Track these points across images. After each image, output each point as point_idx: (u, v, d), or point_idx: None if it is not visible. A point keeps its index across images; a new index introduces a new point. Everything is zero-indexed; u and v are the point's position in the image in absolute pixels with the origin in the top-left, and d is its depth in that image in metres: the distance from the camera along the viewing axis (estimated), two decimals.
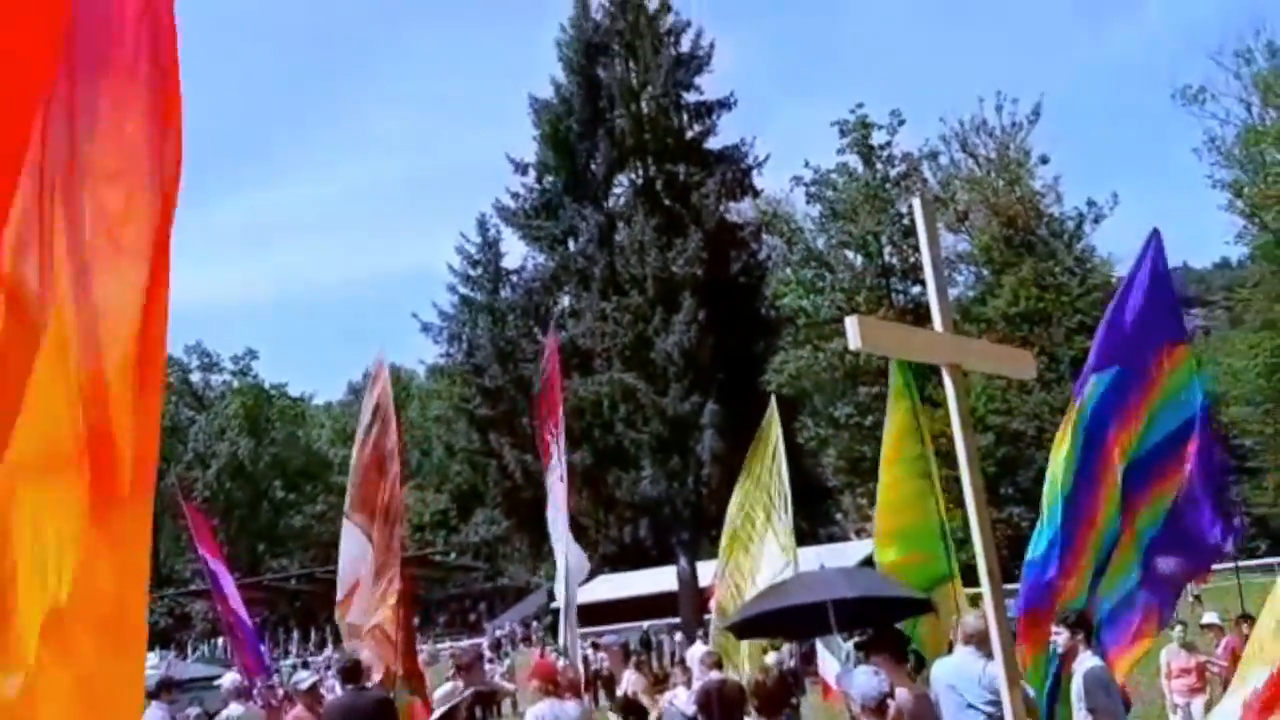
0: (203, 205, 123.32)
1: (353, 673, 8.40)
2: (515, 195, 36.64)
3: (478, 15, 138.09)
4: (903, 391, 10.13)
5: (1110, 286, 39.89)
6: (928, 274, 5.28)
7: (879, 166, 52.78)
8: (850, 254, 54.23)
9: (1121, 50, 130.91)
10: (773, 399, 13.12)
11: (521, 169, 36.39)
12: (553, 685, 8.26)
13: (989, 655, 5.85)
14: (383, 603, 10.27)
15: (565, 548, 11.62)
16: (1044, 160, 53.85)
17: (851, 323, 4.66)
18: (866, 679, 5.63)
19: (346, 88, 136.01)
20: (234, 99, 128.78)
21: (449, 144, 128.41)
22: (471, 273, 41.06)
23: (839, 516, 50.07)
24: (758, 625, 9.21)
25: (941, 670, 6.72)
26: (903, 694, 6.25)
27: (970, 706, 6.33)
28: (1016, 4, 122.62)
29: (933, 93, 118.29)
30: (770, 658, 12.01)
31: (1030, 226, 52.83)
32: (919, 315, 48.78)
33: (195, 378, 77.01)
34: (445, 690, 9.75)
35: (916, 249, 53.58)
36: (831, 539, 44.01)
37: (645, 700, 10.83)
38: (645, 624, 34.60)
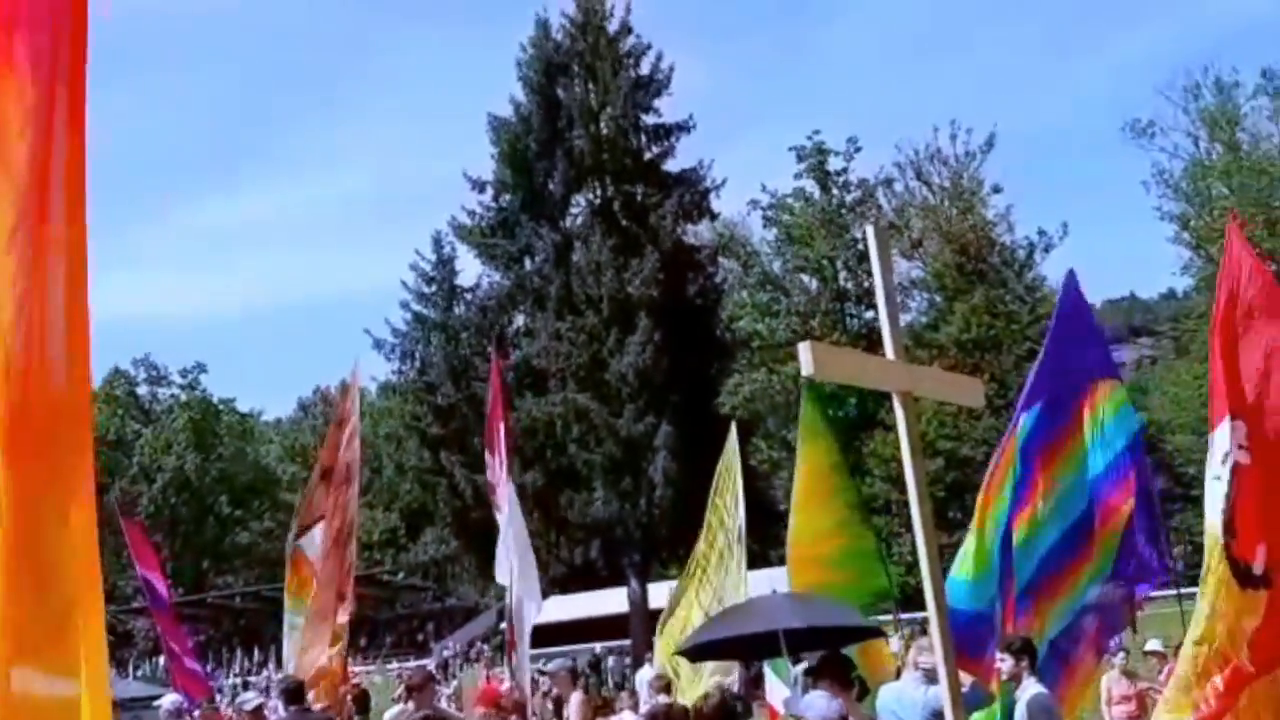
0: (157, 217, 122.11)
1: (296, 694, 8.30)
2: (472, 213, 36.57)
3: (442, 34, 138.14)
4: (819, 428, 10.37)
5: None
6: (880, 302, 5.32)
7: (835, 192, 53.27)
8: (806, 278, 54.58)
9: (1081, 83, 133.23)
10: (733, 426, 13.18)
11: (479, 187, 36.33)
12: (497, 709, 8.22)
13: (934, 681, 5.88)
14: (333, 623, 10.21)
15: (517, 568, 11.53)
16: (997, 190, 54.58)
17: (805, 349, 4.67)
18: (825, 702, 5.67)
19: (308, 103, 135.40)
20: (193, 108, 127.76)
21: (408, 162, 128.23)
22: (426, 290, 40.79)
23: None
24: (708, 649, 9.25)
25: (886, 696, 6.80)
26: None
27: None
28: (982, 37, 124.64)
29: (898, 119, 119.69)
30: (713, 681, 11.95)
31: (982, 255, 53.43)
32: (873, 340, 49.09)
33: (142, 391, 75.91)
34: (394, 713, 9.58)
35: (871, 275, 54.54)
36: (783, 561, 44.00)
37: None
38: (597, 646, 34.44)
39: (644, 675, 14.72)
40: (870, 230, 5.57)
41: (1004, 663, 6.74)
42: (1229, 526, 5.52)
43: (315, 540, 10.89)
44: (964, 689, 5.23)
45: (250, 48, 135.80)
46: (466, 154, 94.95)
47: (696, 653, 9.41)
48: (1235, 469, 5.51)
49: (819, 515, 10.18)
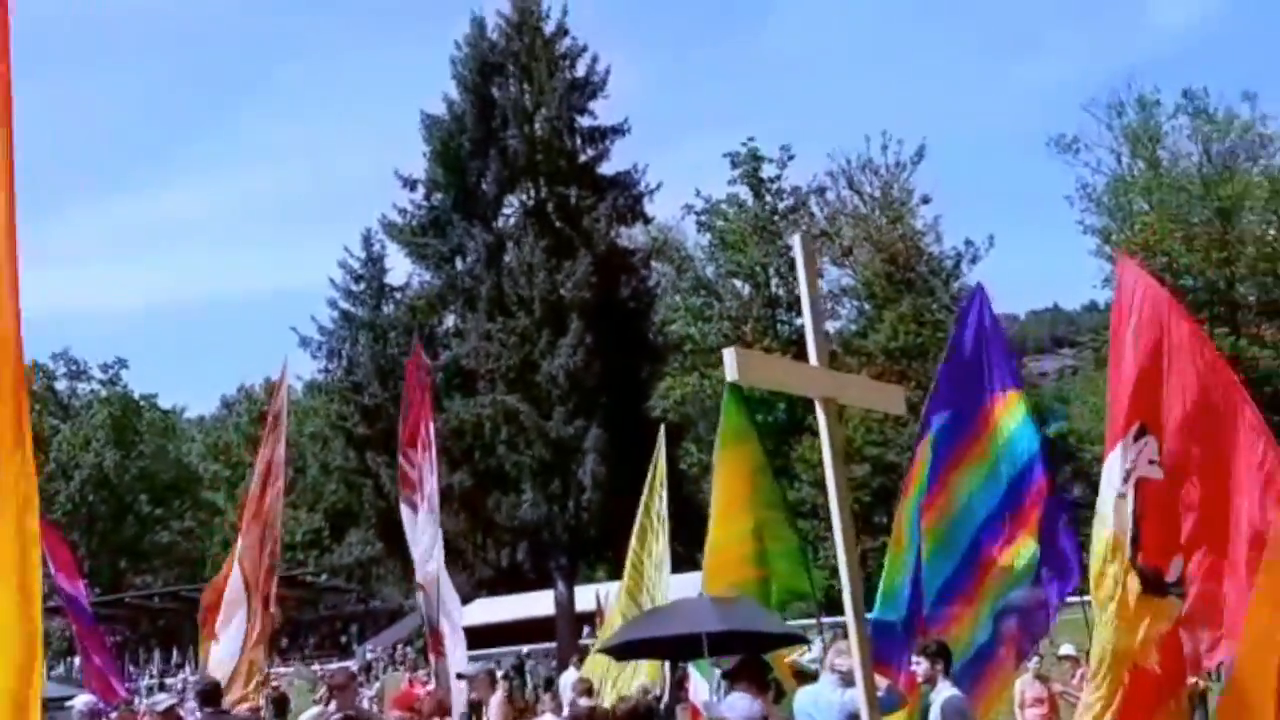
0: (80, 208, 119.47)
1: (212, 695, 8.21)
2: (403, 211, 36.24)
3: (374, 29, 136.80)
4: (744, 432, 10.51)
5: None
6: (805, 311, 5.40)
7: (768, 199, 53.71)
8: (738, 284, 54.97)
9: (1012, 95, 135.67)
10: (662, 429, 13.33)
11: (410, 185, 36.01)
12: (413, 713, 8.21)
13: (851, 684, 5.98)
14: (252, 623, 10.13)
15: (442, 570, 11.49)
16: (926, 200, 55.40)
17: (730, 355, 4.73)
18: (746, 704, 5.77)
19: (238, 93, 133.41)
20: (122, 103, 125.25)
21: (339, 158, 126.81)
22: (354, 288, 40.32)
23: None
24: (631, 647, 9.34)
25: (803, 698, 6.91)
26: None
27: None
28: (916, 45, 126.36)
29: (833, 126, 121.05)
30: (638, 684, 12.06)
31: (911, 264, 54.17)
32: (803, 346, 49.05)
33: (61, 386, 74.07)
34: (314, 713, 9.42)
35: None
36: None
37: None
38: (525, 648, 34.30)
39: (568, 678, 14.73)
40: (797, 240, 5.65)
41: (920, 665, 6.90)
42: (1136, 540, 5.69)
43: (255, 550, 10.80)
44: (880, 692, 5.32)
45: (184, 40, 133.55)
46: (399, 151, 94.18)
47: (621, 650, 9.48)
48: (1140, 484, 5.71)
49: (741, 518, 10.30)
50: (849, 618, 5.21)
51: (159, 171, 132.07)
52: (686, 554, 36.73)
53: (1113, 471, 5.89)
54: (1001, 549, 8.06)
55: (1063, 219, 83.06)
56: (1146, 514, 5.75)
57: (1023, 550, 8.06)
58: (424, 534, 11.26)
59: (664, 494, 12.16)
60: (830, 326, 56.38)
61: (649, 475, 12.56)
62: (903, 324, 51.62)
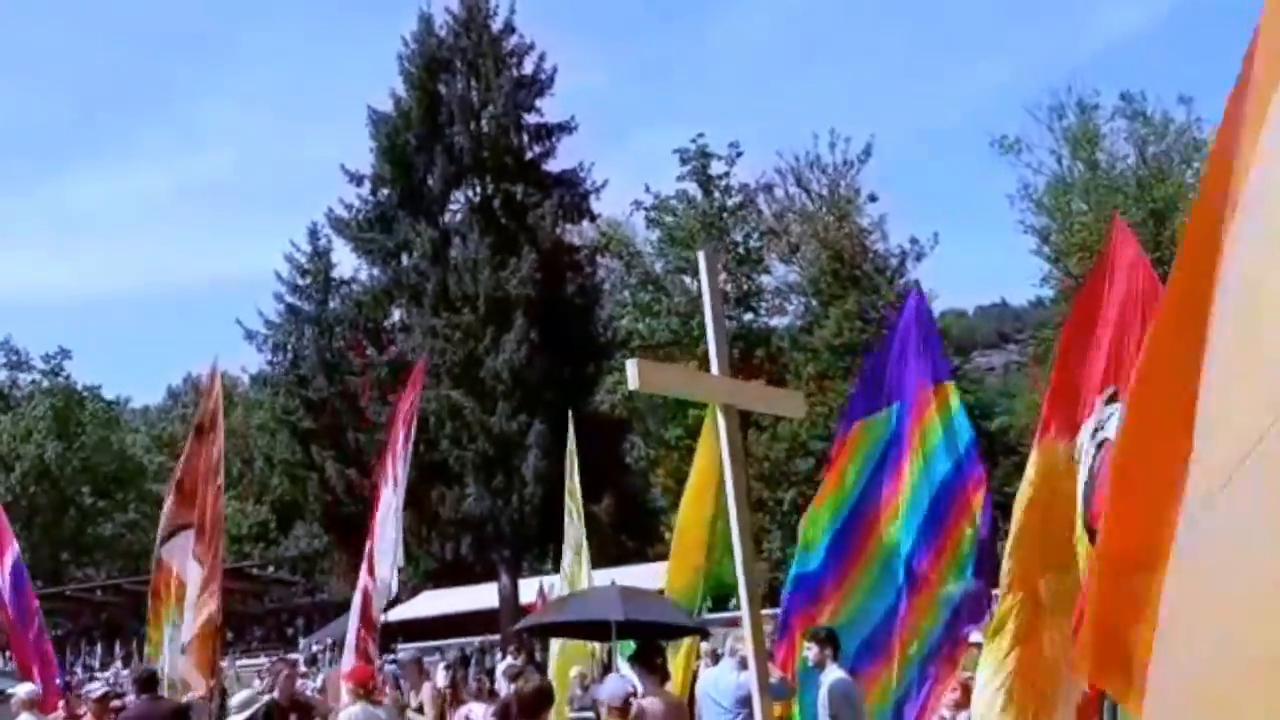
0: (19, 195, 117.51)
1: (149, 682, 8.49)
2: (349, 206, 36.27)
3: (320, 18, 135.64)
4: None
5: None
6: (708, 322, 5.78)
7: (717, 196, 54.01)
8: (687, 279, 55.28)
9: (961, 94, 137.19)
10: (569, 417, 14.00)
11: (356, 180, 36.05)
12: (365, 690, 8.48)
13: (744, 668, 6.43)
14: (200, 613, 10.34)
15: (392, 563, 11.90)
16: (873, 198, 56.02)
17: (631, 365, 5.13)
18: (614, 683, 6.23)
19: (182, 80, 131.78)
20: (61, 83, 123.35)
21: (282, 147, 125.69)
22: (300, 282, 40.23)
23: (666, 535, 50.82)
24: (551, 627, 9.81)
25: (705, 681, 7.42)
26: (654, 701, 6.80)
27: (725, 711, 7.01)
28: (868, 43, 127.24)
29: (784, 123, 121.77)
30: (575, 671, 12.49)
31: (856, 261, 54.81)
32: (750, 341, 50.17)
33: (1, 376, 73.10)
34: (246, 695, 9.45)
35: (750, 277, 55.00)
36: (659, 557, 44.68)
37: (430, 711, 10.94)
38: (476, 640, 34.53)
39: (503, 666, 15.18)
40: (701, 255, 6.05)
41: (810, 650, 7.36)
42: (1088, 501, 5.88)
43: (177, 548, 10.98)
44: (772, 679, 5.73)
45: (123, 24, 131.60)
46: (341, 144, 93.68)
47: (537, 630, 9.96)
48: (1104, 445, 5.88)
49: (706, 503, 10.75)
50: (744, 606, 5.59)
51: (100, 157, 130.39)
52: (637, 548, 37.28)
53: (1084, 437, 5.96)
54: (944, 540, 8.31)
55: (1009, 216, 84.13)
56: (1101, 476, 5.89)
57: (962, 540, 8.31)
58: (391, 529, 11.67)
59: (573, 483, 12.91)
60: (778, 322, 56.88)
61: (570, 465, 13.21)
62: (848, 320, 52.25)
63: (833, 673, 7.32)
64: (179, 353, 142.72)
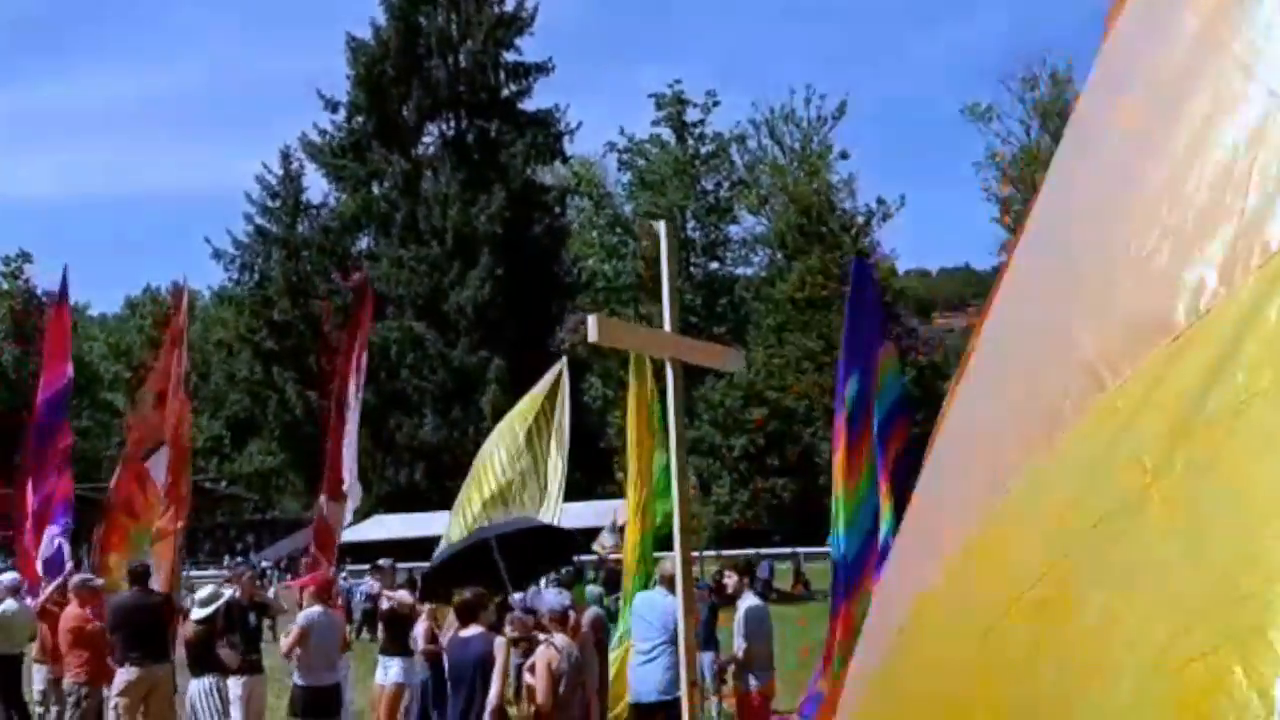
0: None
1: (142, 576, 9.17)
2: (323, 132, 36.46)
3: None
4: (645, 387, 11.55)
5: (884, 283, 42.81)
6: (664, 287, 6.45)
7: (690, 143, 54.35)
8: (655, 224, 55.60)
9: (939, 54, 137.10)
10: (563, 359, 14.02)
11: (332, 106, 36.24)
12: (326, 596, 9.18)
13: (673, 592, 7.21)
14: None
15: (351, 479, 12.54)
16: (844, 156, 56.60)
17: (591, 321, 5.84)
18: (553, 597, 6.98)
19: None
20: None
21: (252, 61, 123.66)
22: (270, 204, 40.42)
23: (620, 476, 51.64)
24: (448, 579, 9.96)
25: (638, 602, 8.20)
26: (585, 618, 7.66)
27: (653, 629, 7.83)
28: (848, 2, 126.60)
29: (762, 72, 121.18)
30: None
31: (823, 218, 55.49)
32: (714, 290, 50.82)
33: None
34: (207, 591, 9.63)
35: (718, 226, 55.32)
36: (609, 495, 45.56)
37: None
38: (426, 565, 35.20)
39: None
40: (661, 226, 6.74)
41: (730, 579, 8.29)
42: None
43: (160, 462, 11.44)
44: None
45: None
46: (314, 61, 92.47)
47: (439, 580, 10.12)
48: None
49: (655, 452, 11.33)
50: (676, 539, 6.31)
51: (64, 57, 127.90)
52: (588, 486, 38.01)
53: None
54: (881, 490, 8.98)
55: (977, 181, 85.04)
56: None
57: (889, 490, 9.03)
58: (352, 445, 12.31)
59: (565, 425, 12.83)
60: (742, 272, 57.44)
61: (539, 402, 13.30)
62: (810, 275, 52.98)
63: (748, 599, 8.25)
64: (139, 263, 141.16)
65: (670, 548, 12.36)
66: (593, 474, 39.71)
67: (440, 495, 37.58)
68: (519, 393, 28.63)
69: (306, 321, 36.32)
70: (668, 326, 6.66)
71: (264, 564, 46.28)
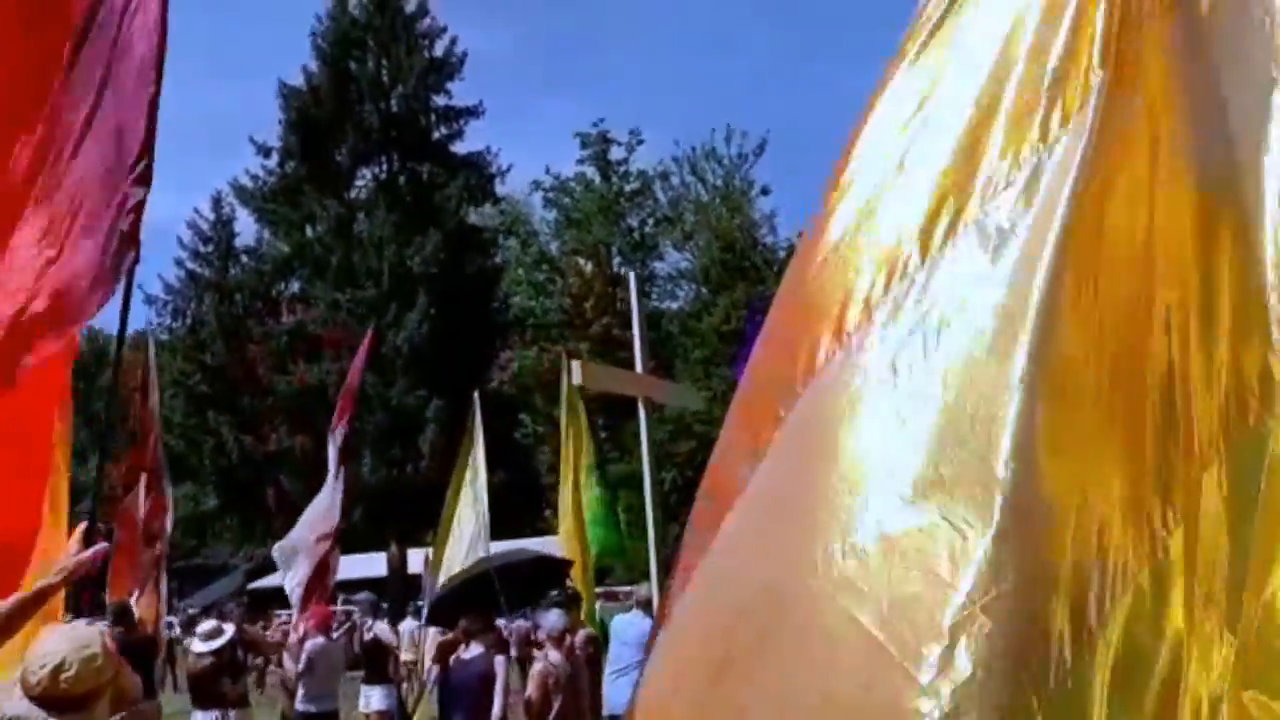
0: None
1: (124, 615, 9.52)
2: (254, 177, 36.63)
3: None
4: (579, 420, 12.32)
5: None
6: (635, 331, 7.20)
7: (615, 181, 55.06)
8: (582, 261, 56.15)
9: (854, 96, 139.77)
10: (475, 397, 14.88)
11: (264, 152, 36.43)
12: (325, 628, 9.76)
13: (650, 616, 7.87)
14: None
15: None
16: (765, 192, 57.71)
17: (575, 366, 6.55)
18: (554, 618, 7.62)
19: None
20: None
21: (188, 98, 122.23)
22: (202, 249, 40.40)
23: (548, 513, 51.88)
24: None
25: (616, 624, 8.88)
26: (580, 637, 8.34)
27: (629, 650, 8.47)
28: (765, 37, 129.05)
29: (684, 110, 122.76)
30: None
31: (746, 254, 56.49)
32: (633, 322, 51.25)
33: None
34: (209, 625, 10.15)
35: (644, 263, 56.08)
36: (542, 533, 45.74)
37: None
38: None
39: (405, 627, 16.42)
40: (632, 276, 7.48)
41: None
42: None
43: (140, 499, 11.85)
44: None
45: None
46: (246, 100, 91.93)
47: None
48: None
49: (587, 485, 12.08)
50: (652, 569, 7.04)
51: None
52: (526, 521, 38.28)
53: None
54: None
55: None
56: None
57: None
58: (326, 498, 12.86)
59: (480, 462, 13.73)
60: (669, 306, 58.23)
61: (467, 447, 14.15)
62: (735, 309, 53.87)
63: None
64: None
65: (609, 577, 13.03)
66: (523, 511, 40.00)
67: (377, 536, 37.67)
68: (457, 432, 29.09)
69: (240, 365, 36.31)
70: (639, 368, 7.38)
71: (190, 610, 45.71)
